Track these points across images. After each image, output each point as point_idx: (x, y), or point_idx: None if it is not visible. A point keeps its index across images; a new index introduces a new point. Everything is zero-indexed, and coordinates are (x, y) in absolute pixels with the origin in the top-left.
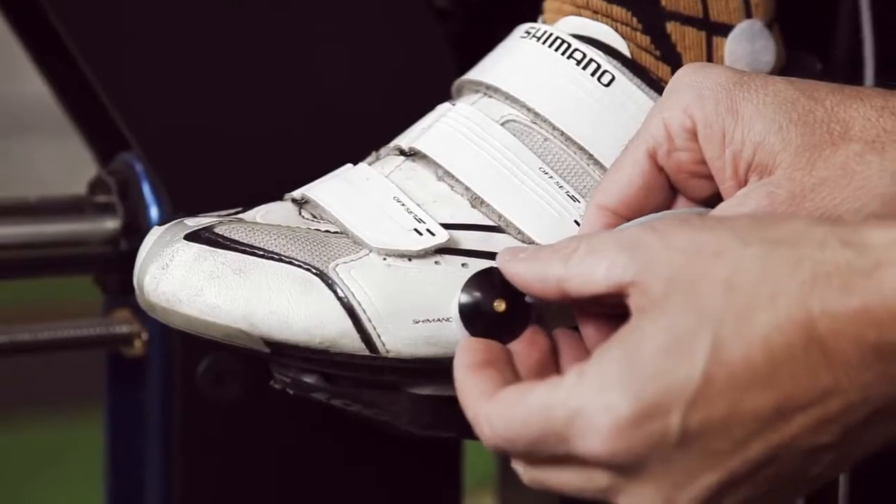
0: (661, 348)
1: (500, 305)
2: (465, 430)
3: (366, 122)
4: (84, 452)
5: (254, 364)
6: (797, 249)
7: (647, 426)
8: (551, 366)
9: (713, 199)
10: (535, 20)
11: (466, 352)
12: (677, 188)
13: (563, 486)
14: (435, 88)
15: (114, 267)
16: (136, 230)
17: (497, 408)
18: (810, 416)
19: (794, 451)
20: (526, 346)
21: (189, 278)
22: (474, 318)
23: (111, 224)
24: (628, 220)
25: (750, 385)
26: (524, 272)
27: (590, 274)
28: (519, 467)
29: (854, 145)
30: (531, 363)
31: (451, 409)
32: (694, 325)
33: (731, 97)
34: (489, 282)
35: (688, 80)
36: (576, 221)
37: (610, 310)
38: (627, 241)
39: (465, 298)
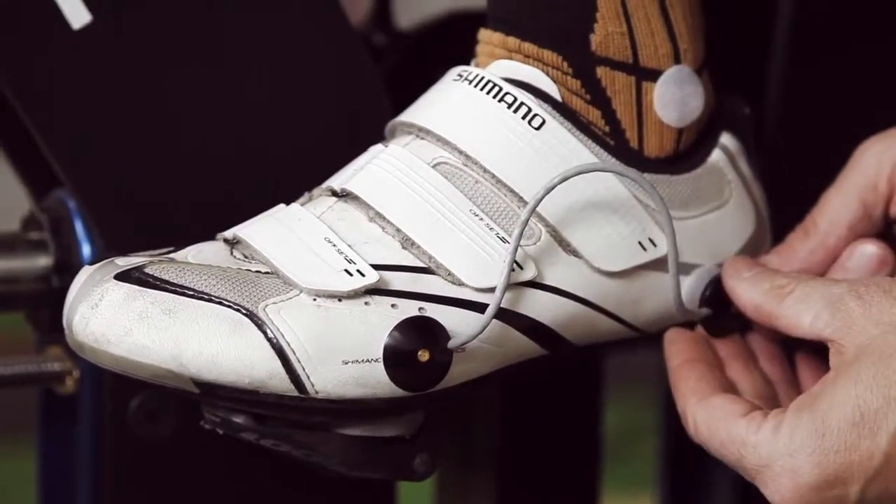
0: (848, 421)
1: (423, 355)
2: (396, 470)
3: (300, 162)
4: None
5: (186, 403)
6: None
7: (826, 493)
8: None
9: None
10: (470, 58)
11: (682, 343)
12: None
13: None
14: (370, 127)
15: (46, 304)
16: (68, 268)
17: (704, 416)
18: None
19: None
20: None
21: (118, 318)
22: (397, 365)
23: (43, 261)
24: None
25: None
26: (743, 296)
27: (796, 319)
28: None
29: None
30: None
31: (381, 450)
32: (881, 405)
33: None
34: (416, 331)
35: None
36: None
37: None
38: (834, 299)
39: (390, 343)
